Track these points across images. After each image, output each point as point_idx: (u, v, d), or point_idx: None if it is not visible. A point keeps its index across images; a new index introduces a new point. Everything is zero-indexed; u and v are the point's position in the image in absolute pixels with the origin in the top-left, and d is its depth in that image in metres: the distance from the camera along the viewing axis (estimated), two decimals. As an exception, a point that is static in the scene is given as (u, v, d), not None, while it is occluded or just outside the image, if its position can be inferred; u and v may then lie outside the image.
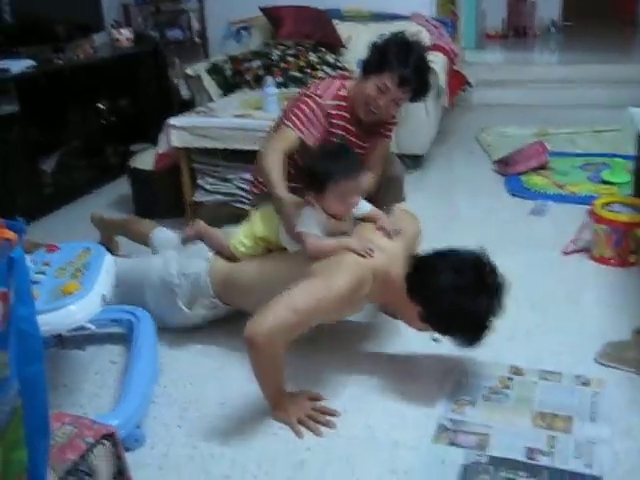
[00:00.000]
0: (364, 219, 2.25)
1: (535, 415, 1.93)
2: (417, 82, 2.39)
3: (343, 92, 2.49)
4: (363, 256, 2.02)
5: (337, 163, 2.06)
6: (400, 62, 2.35)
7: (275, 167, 2.26)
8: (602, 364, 2.15)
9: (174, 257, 2.39)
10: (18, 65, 3.65)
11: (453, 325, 1.99)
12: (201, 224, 2.47)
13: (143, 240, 2.76)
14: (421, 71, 2.41)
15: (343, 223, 2.17)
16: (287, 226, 2.19)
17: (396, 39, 2.43)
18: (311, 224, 2.08)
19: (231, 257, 2.33)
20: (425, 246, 2.44)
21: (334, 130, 2.46)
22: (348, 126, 2.50)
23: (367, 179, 2.47)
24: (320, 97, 2.44)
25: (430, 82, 2.51)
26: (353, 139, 2.51)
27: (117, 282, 2.19)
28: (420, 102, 2.60)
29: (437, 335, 2.08)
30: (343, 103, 2.48)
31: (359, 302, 2.08)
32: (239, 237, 2.33)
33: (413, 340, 2.30)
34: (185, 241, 2.50)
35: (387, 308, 2.37)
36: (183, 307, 2.34)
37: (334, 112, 2.45)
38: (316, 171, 2.07)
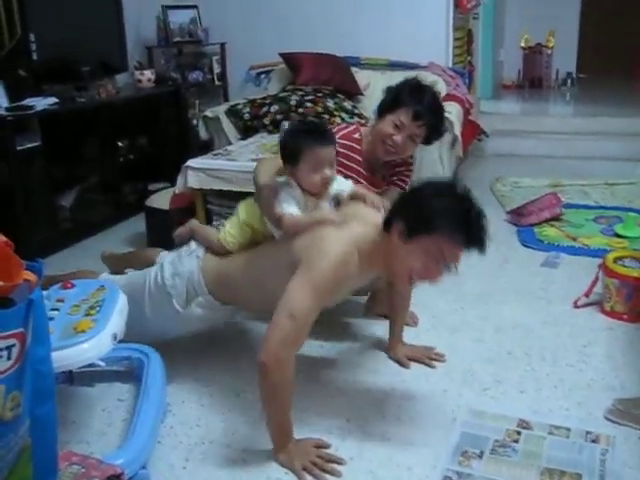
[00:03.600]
0: (352, 199, 2.25)
1: (543, 471, 1.91)
2: (431, 118, 2.44)
3: (357, 135, 2.55)
4: (339, 225, 2.01)
5: (309, 133, 2.14)
6: (414, 99, 2.43)
7: (265, 173, 2.29)
8: (612, 421, 2.13)
9: (167, 261, 2.41)
10: (42, 102, 3.75)
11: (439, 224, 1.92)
12: (193, 221, 2.51)
13: (150, 265, 2.78)
14: (435, 108, 2.48)
15: (321, 200, 2.18)
16: (266, 211, 2.21)
17: (410, 81, 2.53)
18: (288, 202, 2.11)
19: (222, 251, 2.34)
20: (436, 294, 2.46)
21: (341, 169, 2.46)
22: (359, 169, 2.54)
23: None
24: None
25: (444, 121, 2.57)
26: (364, 182, 2.54)
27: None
28: (435, 142, 2.63)
29: None
30: (356, 146, 2.52)
31: (352, 279, 2.03)
32: (226, 228, 2.35)
33: (420, 388, 2.30)
34: (178, 239, 2.51)
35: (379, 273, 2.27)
36: (178, 307, 2.33)
37: (342, 151, 2.48)
38: (290, 142, 2.14)
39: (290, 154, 2.14)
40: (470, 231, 1.90)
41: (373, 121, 2.63)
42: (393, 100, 2.46)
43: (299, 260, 1.97)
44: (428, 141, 2.55)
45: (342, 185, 2.24)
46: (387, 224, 2.00)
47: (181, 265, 2.36)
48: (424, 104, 2.42)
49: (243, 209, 2.37)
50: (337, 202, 2.24)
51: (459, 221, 1.88)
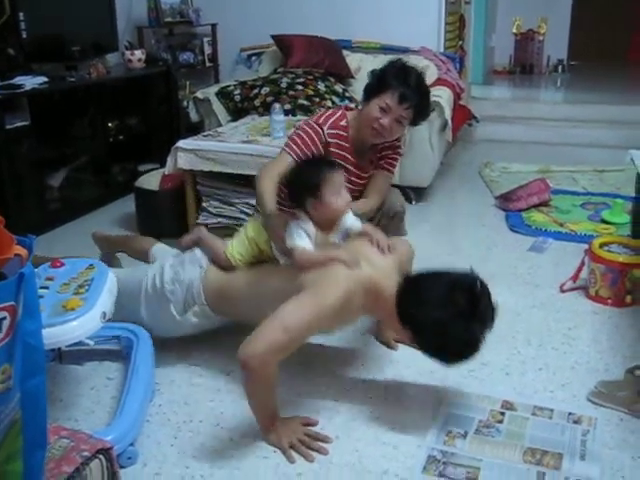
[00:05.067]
0: (359, 235, 2.27)
1: (525, 451, 1.94)
2: (417, 99, 2.45)
3: (343, 122, 2.55)
4: (351, 267, 2.03)
5: (318, 164, 2.20)
6: (399, 81, 2.43)
7: (268, 189, 2.32)
8: (594, 403, 2.17)
9: (169, 264, 2.41)
10: (31, 81, 3.73)
11: (442, 352, 2.00)
12: (202, 230, 2.50)
13: (143, 256, 2.79)
14: (421, 89, 2.49)
15: (331, 235, 2.21)
16: (275, 240, 2.23)
17: (394, 63, 2.53)
18: (300, 236, 2.12)
19: (226, 266, 2.34)
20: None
21: (332, 158, 2.51)
22: (347, 155, 2.55)
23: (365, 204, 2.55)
24: (320, 126, 2.50)
25: (430, 101, 2.58)
26: (352, 168, 2.56)
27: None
28: (422, 124, 2.64)
29: None
30: (343, 133, 2.53)
31: (350, 315, 2.09)
32: (233, 244, 2.36)
33: (407, 369, 2.32)
34: (184, 245, 2.52)
35: (378, 320, 2.36)
36: (175, 313, 2.35)
37: (332, 141, 2.51)
38: (307, 178, 2.15)
39: (309, 188, 2.14)
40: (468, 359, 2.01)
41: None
42: (378, 83, 2.47)
43: (306, 287, 2.00)
44: (415, 122, 2.56)
45: (353, 221, 2.26)
46: (402, 318, 2.02)
47: (183, 272, 2.36)
48: (410, 86, 2.43)
49: (251, 227, 2.37)
50: (346, 237, 2.26)
51: (464, 352, 1.99)
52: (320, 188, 2.12)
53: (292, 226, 2.15)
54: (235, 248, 2.34)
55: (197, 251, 2.43)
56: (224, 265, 2.34)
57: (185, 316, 2.36)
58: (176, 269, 2.38)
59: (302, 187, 2.16)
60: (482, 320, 1.94)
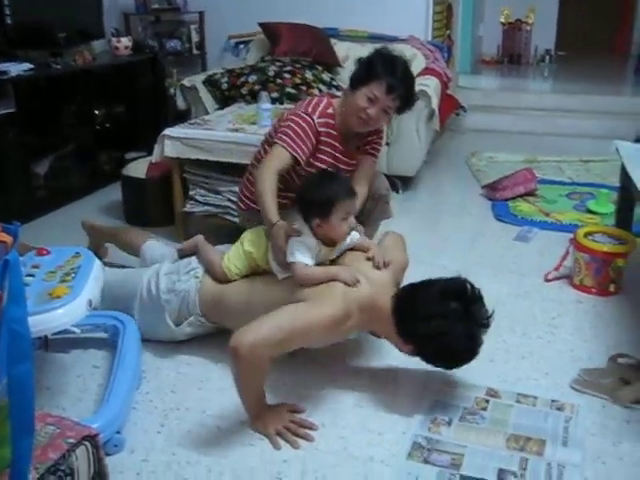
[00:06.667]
0: (354, 248, 2.29)
1: (509, 437, 1.96)
2: (404, 89, 2.46)
3: (330, 110, 2.55)
4: (350, 286, 2.06)
5: (336, 186, 2.16)
6: (387, 71, 2.43)
7: (269, 190, 2.30)
8: (577, 390, 2.19)
9: (164, 273, 2.41)
10: (16, 68, 3.70)
11: (446, 359, 2.07)
12: (200, 238, 2.49)
13: (134, 250, 2.78)
14: (407, 79, 2.50)
15: (333, 251, 2.22)
16: (276, 251, 2.22)
17: (381, 52, 2.53)
18: (302, 252, 2.13)
19: (222, 277, 2.34)
20: (411, 267, 2.50)
21: (322, 147, 2.52)
22: (335, 143, 2.56)
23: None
24: (310, 116, 2.50)
25: (415, 91, 2.59)
26: (340, 156, 2.57)
27: (106, 293, 2.23)
28: (407, 112, 2.64)
29: None
30: (330, 121, 2.53)
31: (344, 332, 2.11)
32: (230, 257, 2.35)
33: (394, 357, 2.34)
34: (181, 253, 2.53)
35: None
36: (170, 323, 2.36)
37: (323, 130, 2.51)
38: (320, 197, 2.13)
39: (320, 206, 2.13)
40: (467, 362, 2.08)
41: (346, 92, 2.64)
42: (366, 73, 2.46)
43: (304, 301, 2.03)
44: (400, 111, 2.57)
45: (353, 236, 2.27)
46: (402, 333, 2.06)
47: (179, 282, 2.36)
48: (397, 76, 2.43)
49: (248, 240, 2.37)
50: (343, 253, 2.28)
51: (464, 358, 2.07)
52: (330, 211, 2.12)
53: (294, 242, 2.15)
54: (231, 261, 2.34)
55: (193, 261, 2.43)
56: (220, 278, 2.35)
57: (180, 327, 2.37)
58: (172, 279, 2.38)
59: (312, 204, 2.16)
60: (478, 321, 1.99)
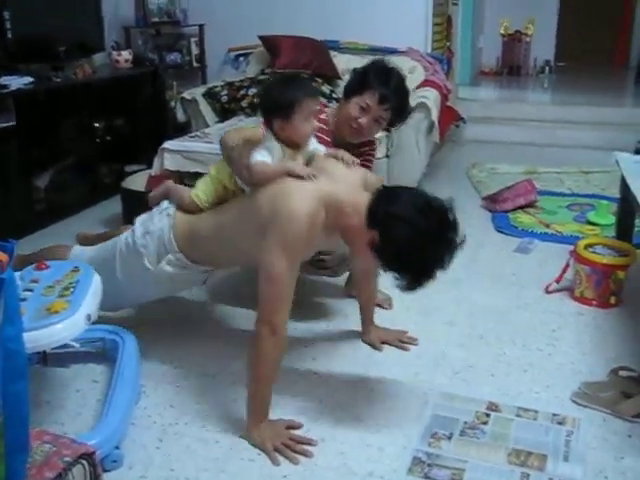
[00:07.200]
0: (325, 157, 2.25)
1: (510, 452, 1.95)
2: (397, 101, 2.47)
3: (323, 116, 2.55)
4: (305, 179, 2.01)
5: (299, 85, 2.14)
6: (380, 82, 2.45)
7: (234, 139, 2.25)
8: (578, 404, 2.18)
9: (139, 222, 2.40)
10: (17, 81, 3.71)
11: (400, 262, 1.95)
12: (168, 182, 2.49)
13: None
14: (401, 91, 2.51)
15: (297, 154, 2.17)
16: (239, 171, 2.19)
17: (376, 63, 2.55)
18: (261, 153, 2.09)
19: (194, 209, 2.32)
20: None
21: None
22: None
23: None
24: None
25: (409, 104, 2.59)
26: None
27: (90, 263, 2.24)
28: (401, 125, 2.65)
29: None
30: (324, 126, 2.53)
31: (319, 237, 2.04)
32: (198, 185, 2.34)
33: (392, 371, 2.33)
34: (152, 200, 2.49)
35: (342, 237, 2.22)
36: (149, 266, 2.32)
37: (317, 134, 2.49)
38: (281, 95, 2.10)
39: (282, 107, 2.08)
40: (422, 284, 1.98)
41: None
42: (360, 82, 2.48)
43: (267, 221, 1.98)
44: (393, 124, 2.57)
45: (317, 145, 2.25)
46: (371, 218, 1.97)
47: (152, 224, 2.35)
48: (390, 87, 2.45)
49: (214, 167, 2.36)
50: (310, 160, 2.23)
51: (420, 272, 1.96)
52: (292, 111, 2.07)
53: (257, 147, 2.13)
54: (199, 188, 2.33)
55: (164, 202, 2.42)
56: (191, 209, 2.32)
57: (159, 266, 2.32)
58: (145, 223, 2.37)
59: (274, 104, 2.11)
60: (447, 247, 1.92)
